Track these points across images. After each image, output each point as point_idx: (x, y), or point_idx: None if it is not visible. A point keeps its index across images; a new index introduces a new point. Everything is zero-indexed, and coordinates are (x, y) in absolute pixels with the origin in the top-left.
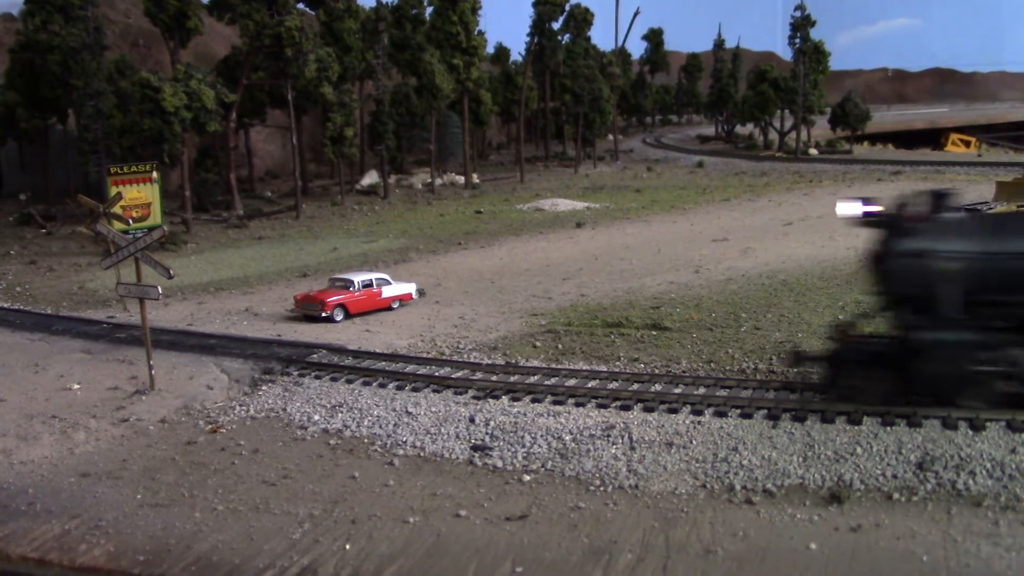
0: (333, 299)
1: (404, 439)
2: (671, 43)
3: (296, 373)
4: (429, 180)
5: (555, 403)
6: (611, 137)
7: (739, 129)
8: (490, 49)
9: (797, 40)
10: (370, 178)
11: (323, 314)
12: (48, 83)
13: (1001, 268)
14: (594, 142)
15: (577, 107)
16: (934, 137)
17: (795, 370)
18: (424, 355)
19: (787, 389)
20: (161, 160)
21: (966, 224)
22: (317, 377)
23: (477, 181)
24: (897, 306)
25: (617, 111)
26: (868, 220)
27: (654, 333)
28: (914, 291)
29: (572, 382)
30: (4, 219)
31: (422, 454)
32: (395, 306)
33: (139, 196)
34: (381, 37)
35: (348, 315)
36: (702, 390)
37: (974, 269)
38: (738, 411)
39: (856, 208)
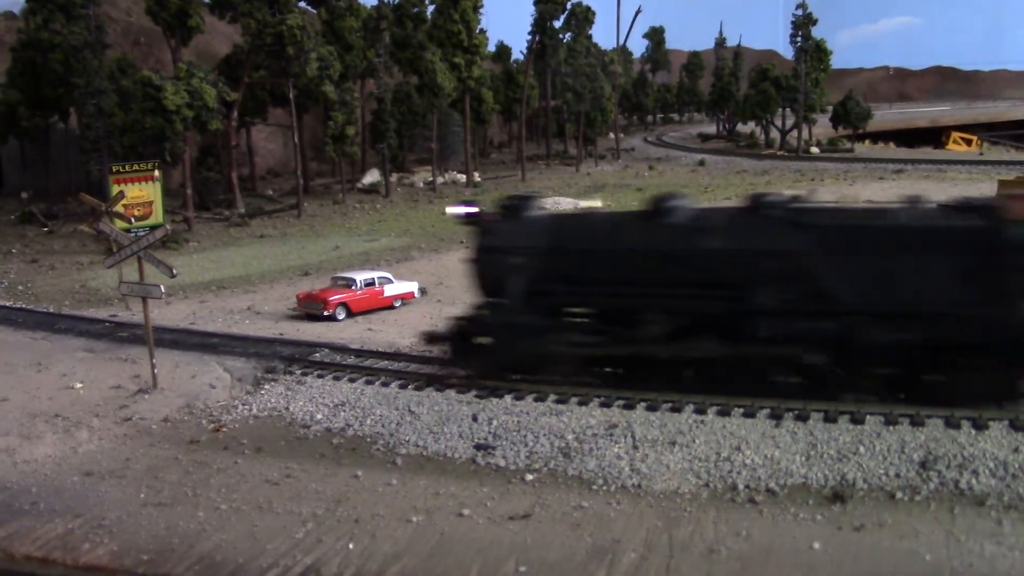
0: (335, 298)
1: (407, 438)
2: (672, 42)
3: (299, 372)
4: (431, 179)
5: (558, 402)
6: (612, 136)
7: (740, 128)
8: (491, 48)
9: (798, 38)
10: (371, 176)
11: (325, 313)
12: (50, 82)
13: (554, 262)
14: (595, 141)
15: (578, 105)
16: (935, 136)
17: (432, 348)
18: (427, 354)
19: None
20: (163, 159)
21: (535, 224)
22: (320, 376)
23: (479, 180)
24: (487, 294)
25: (618, 110)
26: (464, 220)
27: None
28: (494, 282)
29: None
30: (6, 217)
31: (425, 453)
32: (397, 305)
33: (141, 195)
34: (382, 35)
35: (350, 314)
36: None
37: (535, 263)
38: (741, 410)
39: (460, 210)
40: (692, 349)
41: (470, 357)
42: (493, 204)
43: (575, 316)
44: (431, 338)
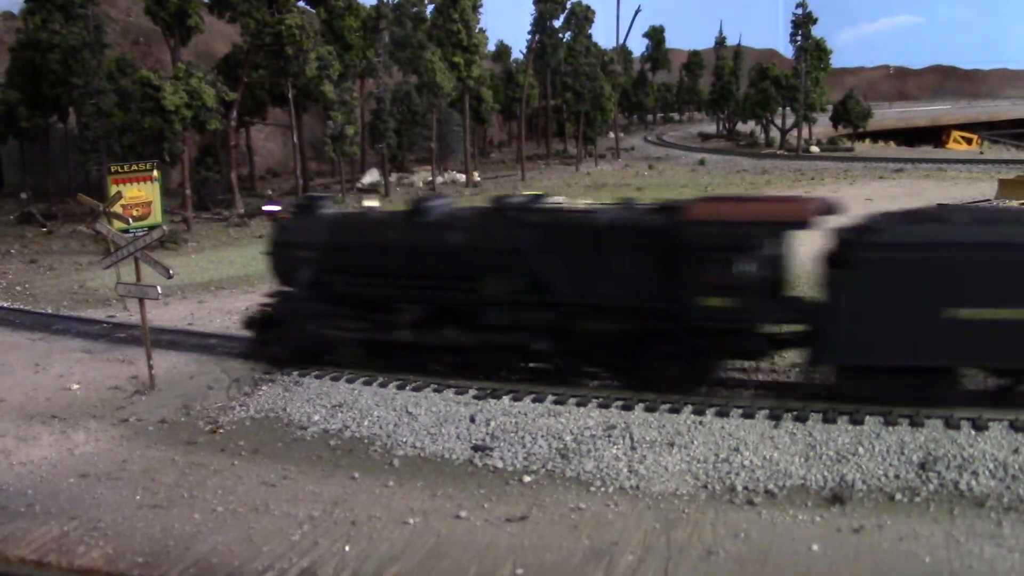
0: None
1: (404, 439)
2: (672, 41)
3: (296, 373)
4: (430, 178)
5: (556, 403)
6: (612, 135)
7: (740, 127)
8: (491, 47)
9: (799, 37)
10: (371, 176)
11: None
12: (49, 82)
13: (333, 256)
14: (595, 140)
15: (578, 105)
16: (936, 134)
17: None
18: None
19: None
20: (162, 159)
21: (321, 221)
22: (317, 377)
23: (478, 179)
24: (282, 284)
25: (618, 109)
26: (268, 217)
27: None
28: (286, 273)
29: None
30: (5, 218)
31: (422, 454)
32: None
33: (139, 195)
34: (382, 35)
35: None
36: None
37: (318, 256)
38: (740, 411)
39: (269, 208)
40: (438, 337)
41: (269, 341)
42: (293, 203)
43: (353, 305)
44: (246, 323)
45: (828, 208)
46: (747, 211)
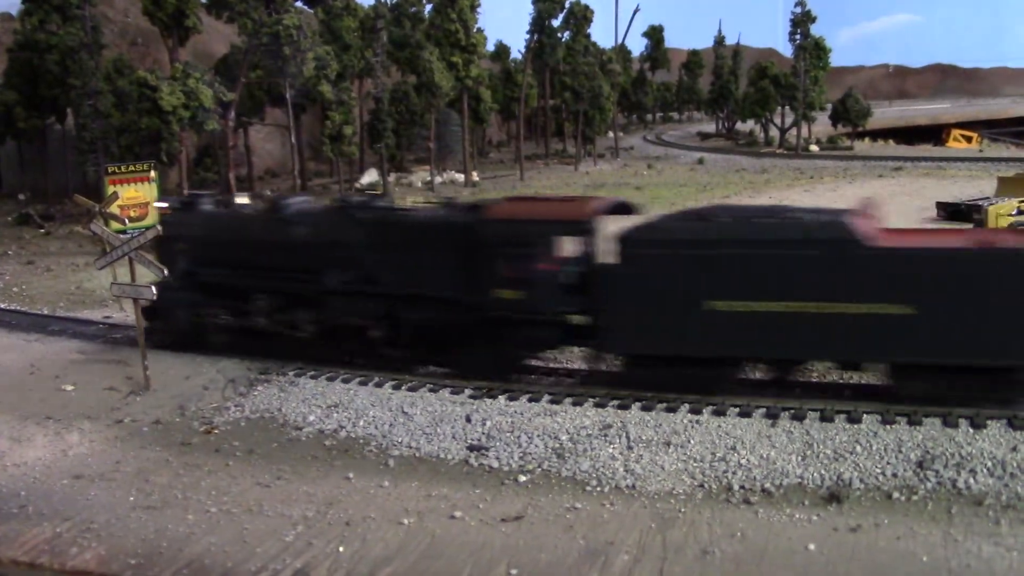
0: None
1: (400, 439)
2: (671, 40)
3: (292, 373)
4: (429, 178)
5: (552, 402)
6: (611, 134)
7: (740, 126)
8: (490, 47)
9: (798, 36)
10: (370, 176)
11: None
12: (46, 82)
13: (203, 249)
14: (594, 140)
15: (577, 104)
16: (935, 133)
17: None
18: None
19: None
20: (159, 159)
21: (197, 217)
22: (313, 377)
23: (477, 179)
24: (170, 271)
25: (617, 108)
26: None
27: None
28: (168, 264)
29: (569, 381)
30: (2, 219)
31: (418, 454)
32: None
33: (137, 195)
34: (380, 35)
35: None
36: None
37: (193, 249)
38: (737, 409)
39: (159, 204)
40: (288, 324)
41: (155, 327)
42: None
43: (219, 294)
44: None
45: (619, 208)
46: (533, 211)
